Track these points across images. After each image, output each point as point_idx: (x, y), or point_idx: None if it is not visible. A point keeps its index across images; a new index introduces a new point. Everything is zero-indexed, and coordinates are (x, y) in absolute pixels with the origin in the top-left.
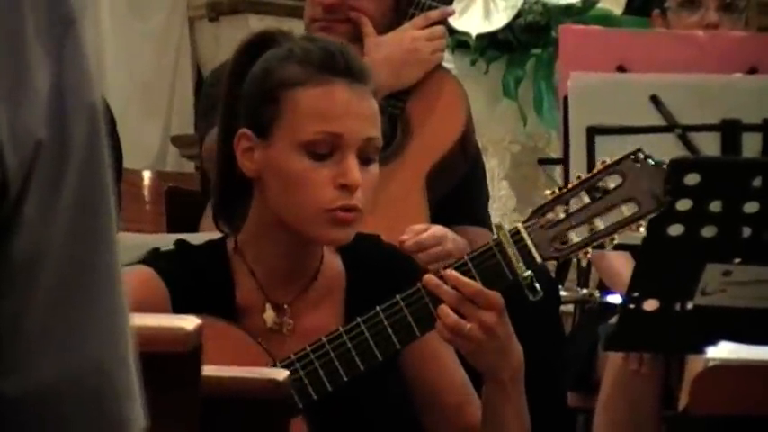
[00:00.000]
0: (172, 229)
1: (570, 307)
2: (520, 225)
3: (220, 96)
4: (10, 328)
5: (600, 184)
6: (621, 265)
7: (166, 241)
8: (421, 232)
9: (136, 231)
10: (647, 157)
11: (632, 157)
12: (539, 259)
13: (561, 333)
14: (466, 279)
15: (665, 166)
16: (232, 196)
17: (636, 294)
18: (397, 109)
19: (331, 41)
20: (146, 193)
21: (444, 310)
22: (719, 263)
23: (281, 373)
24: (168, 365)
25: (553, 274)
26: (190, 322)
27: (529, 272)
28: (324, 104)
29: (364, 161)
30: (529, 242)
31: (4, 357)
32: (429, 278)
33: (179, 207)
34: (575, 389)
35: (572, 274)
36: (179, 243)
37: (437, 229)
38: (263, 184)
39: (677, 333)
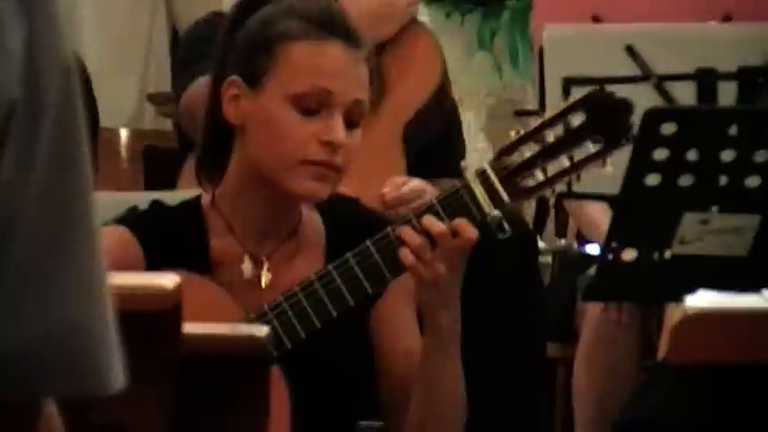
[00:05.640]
0: (149, 187)
1: (549, 258)
2: (486, 165)
3: (215, 47)
4: None
5: (565, 122)
6: (599, 216)
7: (144, 199)
8: (401, 185)
9: (113, 190)
10: (610, 93)
11: (595, 93)
12: (506, 198)
13: (540, 284)
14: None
15: (628, 101)
16: (216, 149)
17: (614, 244)
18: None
19: (332, 3)
20: (123, 151)
21: (408, 232)
22: (697, 212)
23: (261, 330)
24: (148, 324)
25: (531, 226)
26: (170, 280)
27: (497, 211)
28: (318, 60)
29: (349, 124)
30: (496, 182)
31: None
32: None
33: (156, 165)
34: (554, 339)
35: (550, 226)
36: (153, 203)
37: (417, 183)
38: (245, 133)
39: (656, 282)
